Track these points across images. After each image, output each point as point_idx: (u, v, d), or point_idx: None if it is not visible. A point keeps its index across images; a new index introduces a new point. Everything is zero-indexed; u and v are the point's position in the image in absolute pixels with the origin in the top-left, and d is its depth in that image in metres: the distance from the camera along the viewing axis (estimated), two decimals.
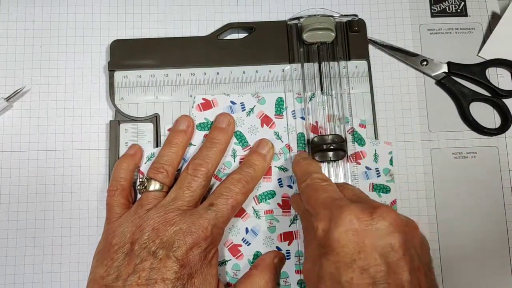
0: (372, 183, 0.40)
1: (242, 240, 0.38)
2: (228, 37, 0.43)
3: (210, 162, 0.36)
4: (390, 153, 0.40)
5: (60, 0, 0.43)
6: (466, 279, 0.39)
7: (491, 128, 0.41)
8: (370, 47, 0.43)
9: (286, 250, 0.38)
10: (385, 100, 0.42)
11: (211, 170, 0.37)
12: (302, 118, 0.40)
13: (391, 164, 0.40)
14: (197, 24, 0.43)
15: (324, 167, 0.39)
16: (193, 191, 0.35)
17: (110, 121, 0.40)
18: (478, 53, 0.43)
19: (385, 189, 0.40)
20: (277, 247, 0.38)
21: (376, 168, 0.40)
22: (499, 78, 0.42)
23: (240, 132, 0.40)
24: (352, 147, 0.40)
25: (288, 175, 0.40)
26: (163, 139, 0.39)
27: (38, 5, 0.42)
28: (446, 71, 0.42)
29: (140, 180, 0.37)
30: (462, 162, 0.41)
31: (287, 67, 0.41)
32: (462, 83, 0.42)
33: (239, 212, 0.39)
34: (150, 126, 0.40)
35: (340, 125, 0.40)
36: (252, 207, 0.39)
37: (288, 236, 0.39)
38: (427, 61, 0.42)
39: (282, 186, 0.39)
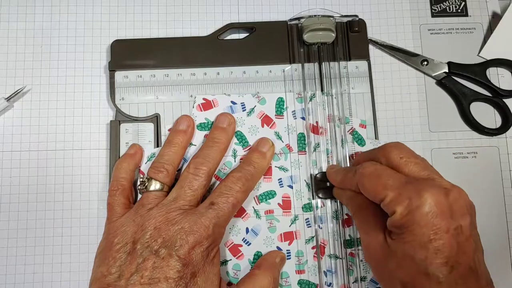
0: None
1: (242, 240, 0.38)
2: (229, 37, 0.43)
3: (211, 161, 0.36)
4: None
5: (60, 0, 0.43)
6: None
7: (491, 128, 0.41)
8: (371, 47, 0.43)
9: (287, 250, 0.38)
10: (386, 100, 0.42)
11: (212, 169, 0.37)
12: (303, 118, 0.40)
13: None
14: (198, 24, 0.43)
15: (324, 167, 0.39)
16: (195, 190, 0.35)
17: (111, 121, 0.40)
18: (479, 53, 0.43)
19: None
20: (277, 247, 0.38)
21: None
22: (499, 78, 0.42)
23: (241, 132, 0.40)
24: (352, 147, 0.40)
25: (288, 175, 0.39)
26: (163, 139, 0.39)
27: (38, 5, 0.42)
28: (447, 71, 0.42)
29: (141, 180, 0.37)
30: (463, 162, 0.41)
31: (287, 67, 0.41)
32: (463, 83, 0.42)
33: (240, 212, 0.38)
34: (150, 126, 0.40)
35: (340, 125, 0.40)
36: (253, 207, 0.39)
37: (288, 236, 0.39)
38: (428, 61, 0.42)
39: (282, 186, 0.39)
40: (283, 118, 0.40)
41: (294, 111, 0.41)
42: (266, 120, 0.40)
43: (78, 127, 0.40)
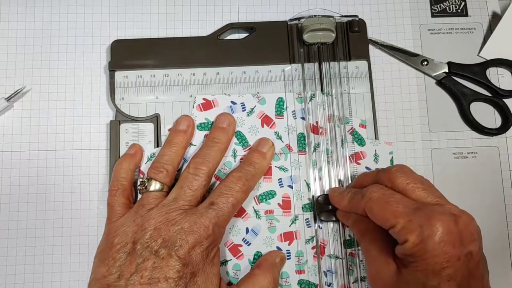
0: None
1: (242, 240, 0.38)
2: (229, 37, 0.43)
3: (211, 162, 0.36)
4: (391, 153, 0.40)
5: (60, 0, 0.43)
6: None
7: (491, 128, 0.41)
8: (371, 47, 0.43)
9: (287, 250, 0.38)
10: (386, 100, 0.42)
11: (212, 169, 0.37)
12: (303, 118, 0.40)
13: (392, 164, 0.40)
14: (198, 24, 0.43)
15: (324, 167, 0.39)
16: (194, 191, 0.35)
17: (111, 121, 0.40)
18: (479, 53, 0.43)
19: None
20: (277, 247, 0.38)
21: (376, 169, 0.40)
22: (499, 78, 0.42)
23: (241, 132, 0.40)
24: (352, 147, 0.40)
25: (288, 175, 0.39)
26: (163, 139, 0.39)
27: (38, 5, 0.42)
28: (447, 71, 0.42)
29: (141, 180, 0.37)
30: (463, 162, 0.41)
31: (287, 67, 0.41)
32: (463, 83, 0.42)
33: (240, 212, 0.38)
34: (150, 126, 0.40)
35: (340, 125, 0.40)
36: (253, 207, 0.39)
37: (288, 236, 0.39)
38: (428, 61, 0.42)
39: (282, 186, 0.39)
40: (283, 118, 0.40)
41: (294, 111, 0.41)
42: (266, 120, 0.40)
43: (78, 127, 0.40)
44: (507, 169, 0.41)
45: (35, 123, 0.40)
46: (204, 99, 0.40)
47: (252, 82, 0.41)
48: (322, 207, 0.38)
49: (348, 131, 0.40)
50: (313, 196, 0.39)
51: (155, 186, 0.36)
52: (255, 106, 0.40)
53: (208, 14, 0.43)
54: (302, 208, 0.39)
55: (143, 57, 0.41)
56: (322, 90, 0.41)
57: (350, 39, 0.42)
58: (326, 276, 0.38)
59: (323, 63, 0.41)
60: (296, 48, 0.41)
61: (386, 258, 0.32)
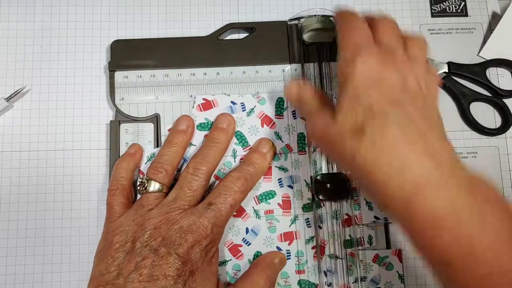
0: None
1: (242, 240, 0.38)
2: (229, 37, 0.43)
3: (211, 162, 0.36)
4: None
5: (60, 0, 0.43)
6: None
7: (491, 128, 0.41)
8: None
9: (287, 250, 0.38)
10: None
11: (212, 169, 0.37)
12: (303, 118, 0.40)
13: None
14: (198, 24, 0.43)
15: (323, 166, 0.39)
16: (194, 191, 0.35)
17: (111, 121, 0.40)
18: (479, 53, 0.43)
19: None
20: (277, 247, 0.38)
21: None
22: (499, 78, 0.42)
23: (241, 132, 0.40)
24: None
25: (288, 175, 0.39)
26: (163, 139, 0.39)
27: (38, 5, 0.42)
28: (447, 71, 0.42)
29: (140, 180, 0.37)
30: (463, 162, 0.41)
31: (287, 67, 0.41)
32: (463, 83, 0.42)
33: (239, 212, 0.39)
34: (150, 126, 0.40)
35: None
36: (252, 207, 0.39)
37: (288, 236, 0.39)
38: (427, 61, 0.42)
39: (282, 186, 0.39)
40: (283, 118, 0.40)
41: (294, 110, 0.41)
42: (266, 120, 0.40)
43: (78, 127, 0.40)
44: (507, 169, 0.41)
45: (35, 123, 0.40)
46: (204, 99, 0.40)
47: (252, 82, 0.41)
48: (320, 187, 0.38)
49: None
50: (311, 177, 0.39)
51: (154, 187, 0.36)
52: (255, 106, 0.40)
53: (208, 14, 0.43)
54: (302, 208, 0.39)
55: (143, 57, 0.41)
56: (322, 90, 0.41)
57: None
58: (326, 276, 0.38)
59: (323, 63, 0.41)
60: (296, 48, 0.41)
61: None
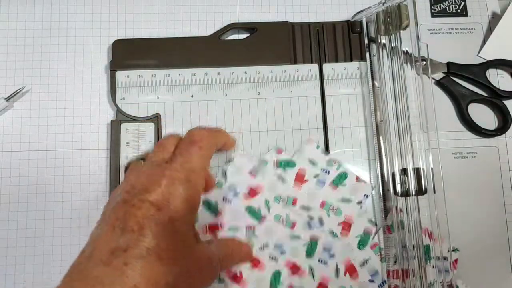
0: None
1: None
2: (230, 37, 0.43)
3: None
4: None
5: (60, 0, 0.43)
6: (466, 279, 0.39)
7: (489, 129, 0.41)
8: (371, 47, 0.43)
9: None
10: (385, 100, 0.42)
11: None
12: None
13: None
14: (199, 24, 0.43)
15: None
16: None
17: (111, 120, 0.40)
18: (478, 53, 0.43)
19: None
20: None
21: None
22: (499, 78, 0.43)
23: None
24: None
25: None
26: None
27: (38, 5, 0.42)
28: (446, 71, 0.42)
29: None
30: (462, 162, 0.41)
31: (288, 67, 0.41)
32: (461, 84, 0.42)
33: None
34: (151, 126, 0.40)
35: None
36: None
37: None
38: (427, 61, 0.42)
39: None
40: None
41: None
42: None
43: (78, 127, 0.40)
44: (506, 169, 0.41)
45: (35, 123, 0.40)
46: None
47: (253, 82, 0.41)
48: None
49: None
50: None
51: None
52: None
53: (209, 14, 0.43)
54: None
55: (144, 57, 0.40)
56: (322, 90, 0.41)
57: (351, 39, 0.42)
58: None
59: (324, 63, 0.41)
60: (299, 48, 0.41)
61: None
